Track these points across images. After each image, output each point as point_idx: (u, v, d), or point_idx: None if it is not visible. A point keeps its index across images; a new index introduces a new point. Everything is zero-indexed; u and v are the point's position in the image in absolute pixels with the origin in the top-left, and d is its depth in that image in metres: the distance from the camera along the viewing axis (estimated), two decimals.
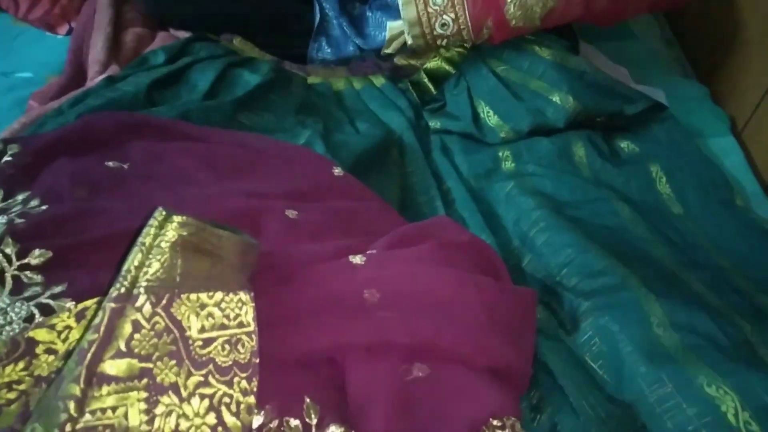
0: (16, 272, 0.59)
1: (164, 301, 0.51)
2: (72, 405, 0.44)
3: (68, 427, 0.43)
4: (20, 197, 0.69)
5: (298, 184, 0.81)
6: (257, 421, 0.53)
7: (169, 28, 1.12)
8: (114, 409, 0.45)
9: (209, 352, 0.52)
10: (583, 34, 1.18)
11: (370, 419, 0.55)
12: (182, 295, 0.52)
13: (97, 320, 0.48)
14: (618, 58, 1.17)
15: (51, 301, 0.58)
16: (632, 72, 1.15)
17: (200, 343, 0.52)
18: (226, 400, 0.51)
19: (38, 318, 0.56)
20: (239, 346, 0.54)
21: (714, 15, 1.24)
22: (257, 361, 0.54)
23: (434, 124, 1.02)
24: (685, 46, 1.31)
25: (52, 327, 0.56)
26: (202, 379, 0.50)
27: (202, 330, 0.52)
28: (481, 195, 0.92)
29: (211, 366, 0.51)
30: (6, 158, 0.74)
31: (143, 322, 0.49)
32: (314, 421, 0.55)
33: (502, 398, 0.59)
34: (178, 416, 0.48)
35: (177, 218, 0.55)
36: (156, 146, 0.82)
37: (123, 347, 0.47)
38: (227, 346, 0.53)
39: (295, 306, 0.61)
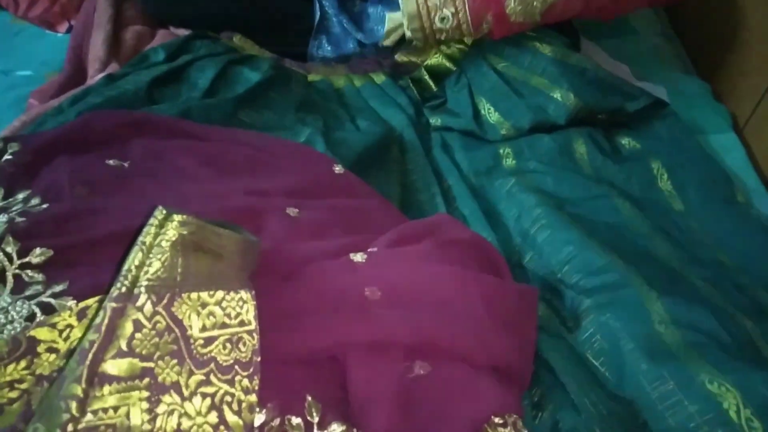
0: (17, 271, 0.59)
1: (165, 301, 0.51)
2: (74, 405, 0.44)
3: (70, 427, 0.43)
4: (21, 196, 0.69)
5: (299, 182, 0.81)
6: (259, 419, 0.53)
7: (169, 26, 1.12)
8: (116, 408, 0.45)
9: (210, 351, 0.52)
10: (585, 31, 1.18)
11: (372, 417, 0.55)
12: (183, 294, 0.52)
13: (98, 320, 0.48)
14: (619, 55, 1.17)
15: (52, 300, 0.58)
16: (633, 69, 1.15)
17: (201, 342, 0.52)
18: (228, 398, 0.51)
19: (39, 317, 0.56)
20: (240, 345, 0.54)
21: (715, 11, 1.24)
22: (258, 359, 0.54)
23: (435, 121, 1.02)
24: (687, 42, 1.30)
25: (53, 326, 0.55)
26: (203, 378, 0.50)
27: (204, 329, 0.52)
28: (481, 192, 0.92)
29: (212, 365, 0.51)
30: (6, 157, 0.74)
31: (144, 322, 0.49)
32: (316, 419, 0.55)
33: (504, 396, 0.59)
34: (180, 415, 0.48)
35: (177, 217, 0.55)
36: (156, 144, 0.82)
37: (124, 347, 0.47)
38: (228, 345, 0.53)
39: (296, 304, 0.61)
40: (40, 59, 1.11)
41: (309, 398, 0.56)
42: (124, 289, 0.50)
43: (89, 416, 0.44)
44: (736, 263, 0.81)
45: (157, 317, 0.50)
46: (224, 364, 0.52)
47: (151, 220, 0.55)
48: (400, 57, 1.11)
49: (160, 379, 0.48)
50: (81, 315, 0.56)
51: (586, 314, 0.72)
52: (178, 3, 1.10)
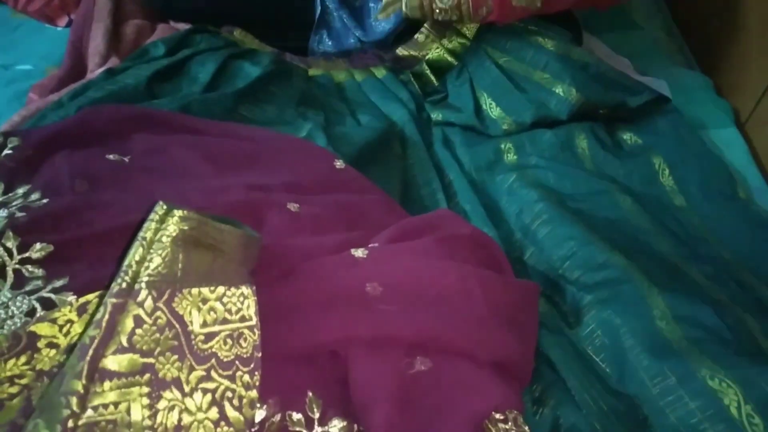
0: (17, 266, 0.59)
1: (166, 296, 0.51)
2: (74, 401, 0.44)
3: (70, 423, 0.43)
4: (21, 191, 0.69)
5: (300, 177, 0.81)
6: (260, 415, 0.53)
7: (169, 20, 1.12)
8: (116, 404, 0.45)
9: (211, 347, 0.52)
10: (587, 25, 1.18)
11: (373, 413, 0.55)
12: (184, 290, 0.52)
13: (98, 316, 0.48)
14: (621, 49, 1.17)
15: (52, 295, 0.58)
16: (635, 63, 1.14)
17: (202, 337, 0.52)
18: (229, 394, 0.51)
19: (40, 312, 0.56)
20: (241, 341, 0.54)
21: (717, 5, 1.23)
22: (259, 355, 0.54)
23: (436, 116, 1.02)
24: (689, 37, 1.30)
25: (53, 321, 0.55)
26: (204, 373, 0.50)
27: (204, 324, 0.52)
28: (483, 187, 0.91)
29: (213, 360, 0.51)
30: (6, 151, 0.74)
31: (145, 317, 0.49)
32: (317, 415, 0.55)
33: (505, 391, 0.59)
34: (181, 411, 0.48)
35: (178, 212, 0.55)
36: (157, 139, 0.82)
37: (125, 342, 0.47)
38: (229, 341, 0.53)
39: (297, 300, 0.61)
40: (39, 53, 1.10)
41: (310, 394, 0.56)
42: (124, 285, 0.50)
43: (90, 412, 0.44)
44: (738, 259, 0.81)
45: (158, 313, 0.50)
46: (225, 359, 0.52)
47: (152, 216, 0.55)
48: (401, 51, 1.11)
49: (160, 374, 0.48)
50: (81, 310, 0.56)
51: (587, 310, 0.71)
52: None
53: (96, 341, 0.46)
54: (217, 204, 0.70)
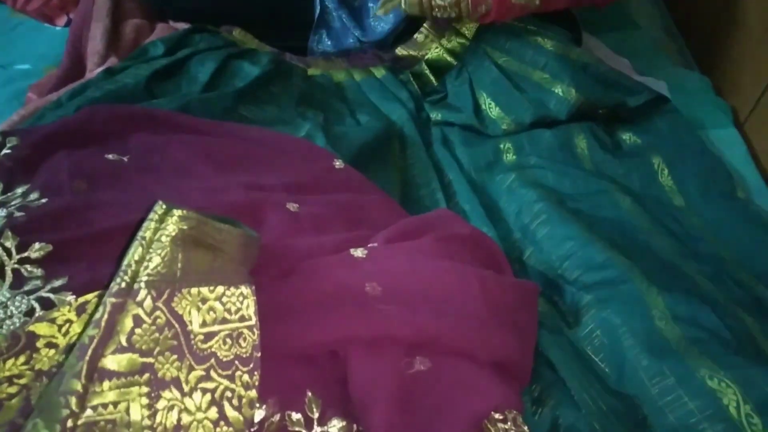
0: (16, 266, 0.59)
1: (165, 296, 0.51)
2: (73, 400, 0.44)
3: (69, 423, 0.43)
4: (19, 190, 0.69)
5: (299, 177, 0.81)
6: (259, 415, 0.53)
7: (169, 19, 1.12)
8: (115, 404, 0.45)
9: (211, 347, 0.52)
10: (586, 25, 1.18)
11: (372, 412, 0.55)
12: (183, 290, 0.52)
13: (97, 315, 0.48)
14: (620, 49, 1.17)
15: (51, 295, 0.58)
16: (634, 63, 1.14)
17: (201, 337, 0.52)
18: (228, 394, 0.51)
19: (39, 312, 0.56)
20: (241, 340, 0.54)
21: (717, 5, 1.23)
22: (259, 355, 0.54)
23: (435, 115, 1.02)
24: (688, 37, 1.30)
25: (52, 321, 0.55)
26: (203, 373, 0.50)
27: (204, 324, 0.52)
28: (482, 187, 0.91)
29: (212, 360, 0.51)
30: (5, 151, 0.74)
31: (144, 317, 0.49)
32: (316, 415, 0.55)
33: (504, 391, 0.59)
34: (180, 411, 0.48)
35: (177, 212, 0.55)
36: (156, 139, 0.82)
37: (124, 342, 0.47)
38: (229, 340, 0.53)
39: (296, 299, 0.61)
40: (38, 53, 1.10)
41: (309, 394, 0.56)
42: (123, 285, 0.50)
43: (89, 412, 0.44)
44: (737, 258, 0.81)
45: (157, 312, 0.50)
46: (224, 359, 0.52)
47: (151, 215, 0.55)
48: (400, 51, 1.11)
49: (160, 374, 0.48)
50: (80, 310, 0.56)
51: (586, 310, 0.72)
52: None
53: (95, 341, 0.46)
54: (216, 204, 0.69)
